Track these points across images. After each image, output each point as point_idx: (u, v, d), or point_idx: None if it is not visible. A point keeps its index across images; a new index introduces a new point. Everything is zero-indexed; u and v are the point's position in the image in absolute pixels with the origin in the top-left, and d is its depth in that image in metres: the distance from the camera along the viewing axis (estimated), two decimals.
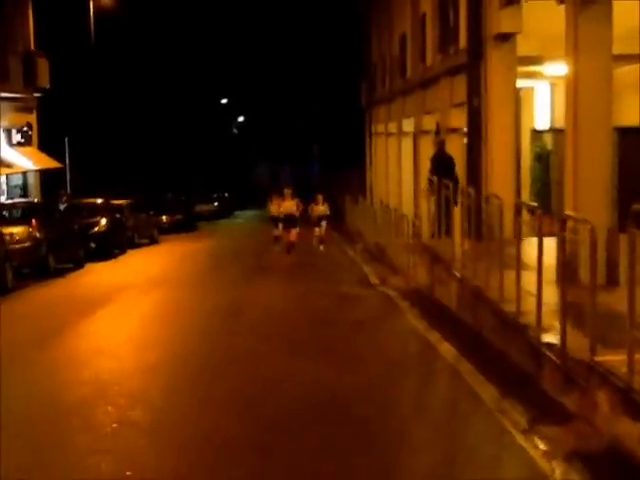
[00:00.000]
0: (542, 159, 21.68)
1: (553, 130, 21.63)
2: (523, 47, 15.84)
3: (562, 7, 12.57)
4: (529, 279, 9.97)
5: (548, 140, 21.79)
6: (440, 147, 17.54)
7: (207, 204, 50.65)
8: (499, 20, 14.90)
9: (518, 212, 10.53)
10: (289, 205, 22.99)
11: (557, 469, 6.27)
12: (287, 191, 23.48)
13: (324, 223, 24.87)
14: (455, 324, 11.96)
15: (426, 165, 24.35)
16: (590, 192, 11.20)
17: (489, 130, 15.54)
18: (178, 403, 8.64)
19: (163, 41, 47.87)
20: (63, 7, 35.44)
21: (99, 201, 27.93)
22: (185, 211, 40.76)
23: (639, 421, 6.49)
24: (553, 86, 20.81)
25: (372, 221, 28.47)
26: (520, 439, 6.99)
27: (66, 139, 31.96)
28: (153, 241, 31.75)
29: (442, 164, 16.58)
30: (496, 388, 8.53)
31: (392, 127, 30.86)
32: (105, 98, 38.73)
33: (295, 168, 74.75)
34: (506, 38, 15.13)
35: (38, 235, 19.87)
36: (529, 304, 9.79)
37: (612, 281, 10.95)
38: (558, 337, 8.46)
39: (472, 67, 15.82)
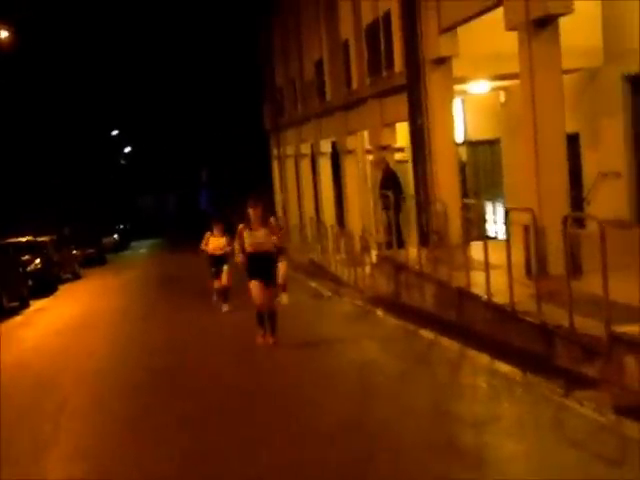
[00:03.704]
0: (459, 170, 23.34)
1: (467, 142, 23.41)
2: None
3: (490, 32, 14.27)
4: (500, 276, 11.35)
5: (462, 152, 23.49)
6: (386, 165, 19.00)
7: (109, 236, 50.54)
8: (438, 45, 16.29)
9: (506, 215, 11.78)
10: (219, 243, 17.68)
11: (611, 419, 7.50)
12: (216, 225, 17.92)
13: (283, 259, 16.66)
14: (442, 322, 13.07)
15: (352, 182, 25.90)
16: (552, 192, 12.48)
17: (433, 146, 16.90)
18: None
19: (55, 76, 47.67)
20: None
21: (24, 239, 28.05)
22: (96, 245, 40.78)
23: None
24: (463, 102, 22.52)
25: (296, 239, 29.59)
26: (565, 402, 8.21)
27: None
28: (76, 276, 31.82)
29: (390, 180, 18.00)
30: (516, 368, 9.68)
31: (304, 148, 32.09)
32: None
33: (182, 196, 74.87)
34: (443, 61, 16.53)
35: None
36: (517, 296, 11.13)
37: (577, 270, 12.45)
38: (559, 320, 9.82)
39: (412, 89, 17.20)
